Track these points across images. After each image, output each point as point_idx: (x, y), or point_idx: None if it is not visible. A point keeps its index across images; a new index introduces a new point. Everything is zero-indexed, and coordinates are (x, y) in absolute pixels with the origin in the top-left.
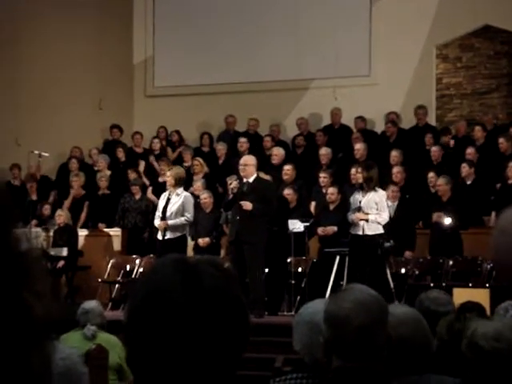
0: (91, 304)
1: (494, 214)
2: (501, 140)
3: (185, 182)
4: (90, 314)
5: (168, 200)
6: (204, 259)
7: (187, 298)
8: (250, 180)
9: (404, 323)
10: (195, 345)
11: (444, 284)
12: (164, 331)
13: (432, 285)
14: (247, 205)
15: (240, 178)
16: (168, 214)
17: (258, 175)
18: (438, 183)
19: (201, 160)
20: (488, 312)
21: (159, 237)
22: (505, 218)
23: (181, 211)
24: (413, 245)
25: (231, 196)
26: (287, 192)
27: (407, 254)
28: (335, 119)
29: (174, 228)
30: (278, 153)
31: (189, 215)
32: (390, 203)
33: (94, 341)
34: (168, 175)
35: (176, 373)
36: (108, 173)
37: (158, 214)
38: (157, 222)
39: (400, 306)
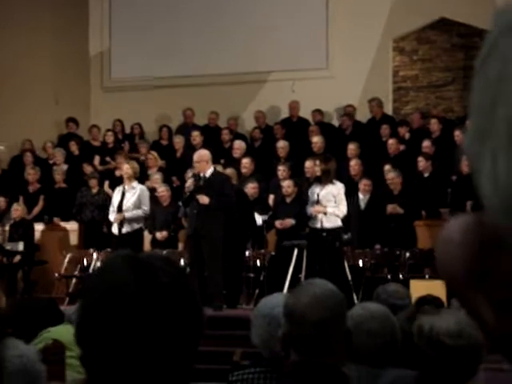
0: None
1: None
2: (457, 133)
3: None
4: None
5: (123, 194)
6: (156, 255)
7: (140, 295)
8: (207, 174)
9: (373, 317)
10: (150, 341)
11: (401, 276)
12: (117, 329)
13: (389, 277)
14: (204, 199)
15: (197, 173)
16: (124, 207)
17: (215, 169)
18: (389, 176)
19: (155, 153)
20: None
21: (115, 231)
22: (449, 228)
23: (137, 204)
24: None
25: (188, 194)
26: (252, 185)
27: (377, 247)
28: (293, 112)
29: (130, 221)
30: (239, 146)
31: (145, 208)
32: (361, 196)
33: None
34: (126, 167)
35: (131, 370)
36: (64, 167)
37: (113, 208)
38: (112, 216)
39: (369, 302)
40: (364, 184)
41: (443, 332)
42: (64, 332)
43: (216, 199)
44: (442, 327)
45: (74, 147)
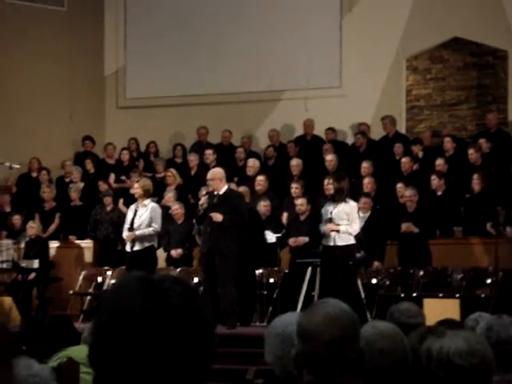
0: None
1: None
2: (470, 151)
3: (153, 194)
4: None
5: (135, 212)
6: (169, 277)
7: (152, 317)
8: (221, 192)
9: (384, 336)
10: (161, 362)
11: (414, 294)
12: (130, 349)
13: (402, 295)
14: (217, 216)
15: (211, 191)
16: (136, 225)
17: (228, 187)
18: (406, 194)
19: (174, 171)
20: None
21: (127, 248)
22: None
23: (148, 222)
24: (382, 256)
25: (201, 211)
26: (264, 203)
27: (376, 264)
28: (308, 130)
29: (141, 239)
30: (253, 164)
31: (156, 225)
32: (361, 214)
33: None
34: (136, 186)
35: None
36: (81, 185)
37: (126, 225)
38: (125, 234)
39: (379, 321)
40: (363, 202)
41: (453, 352)
42: (82, 351)
43: (229, 217)
44: (452, 347)
45: (89, 165)
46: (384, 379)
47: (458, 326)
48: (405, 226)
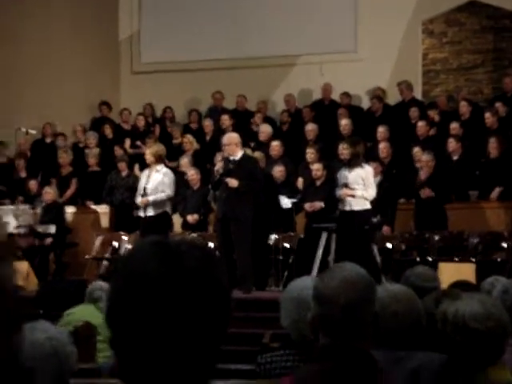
0: (102, 283)
1: (497, 190)
2: (487, 115)
3: (170, 159)
4: (104, 289)
5: (148, 177)
6: (186, 241)
7: (168, 280)
8: (237, 157)
9: (398, 300)
10: (177, 325)
11: (430, 259)
12: (145, 313)
13: (418, 259)
14: (233, 182)
15: (227, 157)
16: (149, 190)
17: (244, 152)
18: (423, 159)
19: (190, 137)
20: None
21: (141, 214)
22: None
23: (161, 187)
24: (392, 221)
25: (217, 176)
26: (279, 169)
27: (385, 229)
28: (326, 94)
29: (154, 204)
30: (265, 130)
31: (169, 191)
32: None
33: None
34: (147, 153)
35: (159, 353)
36: (97, 150)
37: (139, 191)
38: (138, 200)
39: (394, 284)
40: (374, 167)
41: (468, 316)
42: (85, 313)
43: (245, 182)
44: (467, 311)
45: (108, 131)
46: (398, 342)
47: (472, 287)
48: (424, 193)
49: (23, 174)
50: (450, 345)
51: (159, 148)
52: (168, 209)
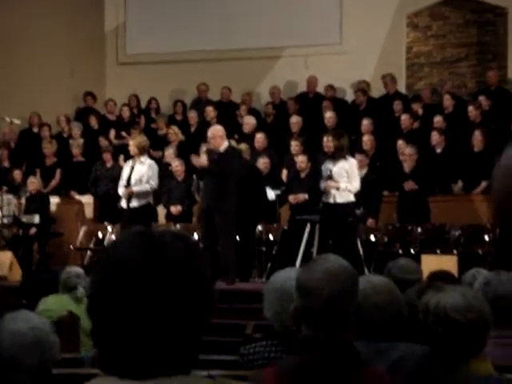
0: (77, 269)
1: (460, 182)
2: (470, 108)
3: (155, 150)
4: (81, 277)
5: (132, 168)
6: (168, 231)
7: (151, 270)
8: (221, 149)
9: (378, 292)
10: (159, 315)
11: (412, 251)
12: (128, 303)
13: (401, 252)
14: (200, 161)
15: (211, 148)
16: (133, 181)
17: (229, 144)
18: (406, 152)
19: (175, 128)
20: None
21: (123, 205)
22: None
23: (145, 179)
24: (377, 213)
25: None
26: (263, 161)
27: (370, 221)
28: (311, 87)
29: (138, 195)
30: (249, 121)
31: (153, 182)
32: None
33: (82, 303)
34: (131, 144)
35: (141, 343)
36: (81, 140)
37: (122, 182)
38: (121, 191)
39: (374, 275)
40: (359, 160)
41: (450, 307)
42: (58, 305)
43: (213, 165)
44: (449, 302)
45: (93, 121)
46: (379, 333)
47: (450, 278)
48: (408, 186)
49: (6, 164)
50: (431, 336)
51: (142, 139)
52: (150, 200)
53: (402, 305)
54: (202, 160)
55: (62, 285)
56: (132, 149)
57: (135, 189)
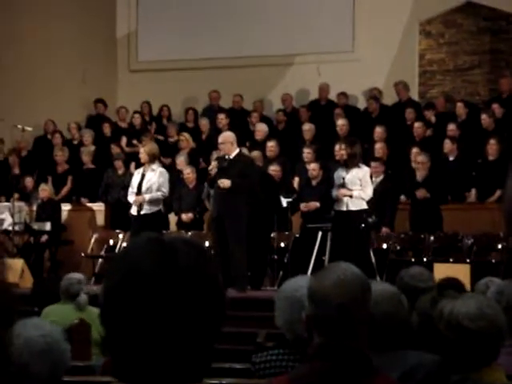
0: (78, 275)
1: (474, 190)
2: (483, 116)
3: (166, 157)
4: (82, 284)
5: (143, 176)
6: (180, 238)
7: (163, 277)
8: (232, 156)
9: (384, 300)
10: (171, 323)
11: (425, 259)
12: (140, 311)
13: (413, 260)
14: (224, 182)
15: (222, 156)
16: (144, 189)
17: (240, 151)
18: (419, 160)
19: (187, 135)
20: (468, 288)
21: (134, 212)
22: None
23: (156, 186)
24: (392, 221)
25: (213, 175)
26: (274, 168)
27: (384, 230)
28: (323, 94)
29: (150, 203)
30: (261, 129)
31: (165, 190)
32: (373, 179)
33: (84, 311)
34: (142, 151)
35: (154, 351)
36: (92, 148)
37: (132, 189)
38: (131, 198)
39: (380, 283)
40: (374, 167)
41: (463, 315)
42: (57, 312)
43: (237, 180)
44: (462, 310)
45: (106, 129)
46: (386, 342)
47: (459, 285)
48: (420, 194)
49: (17, 171)
50: (444, 344)
51: (153, 147)
52: (161, 208)
53: (407, 312)
54: (225, 182)
55: (64, 292)
56: (143, 156)
57: (147, 196)
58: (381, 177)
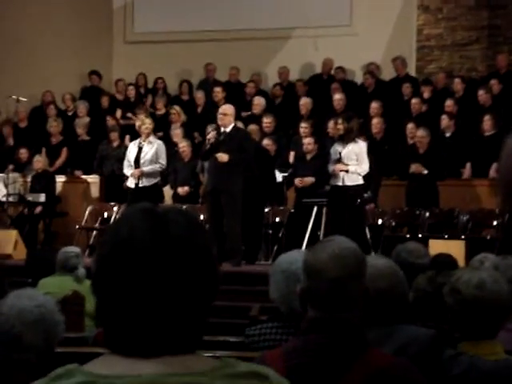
0: (75, 249)
1: (468, 165)
2: (480, 92)
3: (157, 131)
4: (80, 257)
5: (140, 149)
6: (173, 208)
7: (154, 247)
8: (228, 129)
9: (382, 275)
10: (163, 293)
11: (420, 235)
12: (131, 280)
13: (408, 236)
14: (223, 157)
15: (218, 128)
16: (142, 161)
17: (235, 125)
18: (418, 134)
19: (178, 108)
20: (462, 263)
21: (131, 185)
22: None
23: (154, 159)
24: (375, 197)
25: (208, 146)
26: (266, 142)
27: (369, 206)
28: (325, 69)
29: (148, 175)
30: (258, 102)
31: (163, 162)
32: None
33: (82, 284)
34: (149, 122)
35: (145, 322)
36: (87, 119)
37: (129, 162)
38: (128, 171)
39: (379, 257)
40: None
41: (463, 282)
42: (56, 284)
43: (235, 155)
44: (464, 278)
45: (105, 102)
46: (383, 317)
47: (453, 261)
48: (414, 167)
49: (11, 142)
50: (445, 312)
51: (151, 120)
52: (159, 180)
53: (406, 288)
54: (224, 157)
55: (61, 265)
56: (150, 127)
57: (146, 169)
58: None
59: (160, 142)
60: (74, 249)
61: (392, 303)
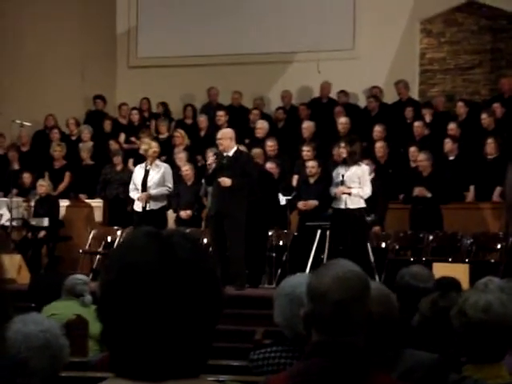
0: (83, 276)
1: (472, 188)
2: (483, 116)
3: (160, 154)
4: (87, 284)
5: (147, 172)
6: (177, 232)
7: (160, 271)
8: (230, 153)
9: (374, 300)
10: (168, 317)
11: (424, 259)
12: (137, 305)
13: (412, 259)
14: (225, 181)
15: (220, 152)
16: (149, 185)
17: (237, 148)
18: (419, 158)
19: (182, 132)
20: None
21: (138, 208)
22: None
23: (161, 182)
24: (382, 220)
25: (211, 171)
26: (270, 166)
27: (375, 228)
28: (324, 93)
29: (156, 199)
30: (262, 126)
31: (170, 185)
32: None
33: (88, 308)
34: (154, 146)
35: (150, 346)
36: (91, 144)
37: (135, 186)
38: (135, 195)
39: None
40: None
41: (470, 305)
42: (62, 308)
43: (238, 179)
44: (472, 300)
45: (108, 126)
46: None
47: (456, 284)
48: (417, 190)
49: (16, 167)
50: (451, 334)
51: (158, 143)
52: (166, 204)
53: (397, 311)
54: (226, 181)
55: (67, 291)
56: (156, 151)
57: (153, 192)
58: (372, 175)
59: (167, 165)
60: (82, 277)
61: (385, 328)
